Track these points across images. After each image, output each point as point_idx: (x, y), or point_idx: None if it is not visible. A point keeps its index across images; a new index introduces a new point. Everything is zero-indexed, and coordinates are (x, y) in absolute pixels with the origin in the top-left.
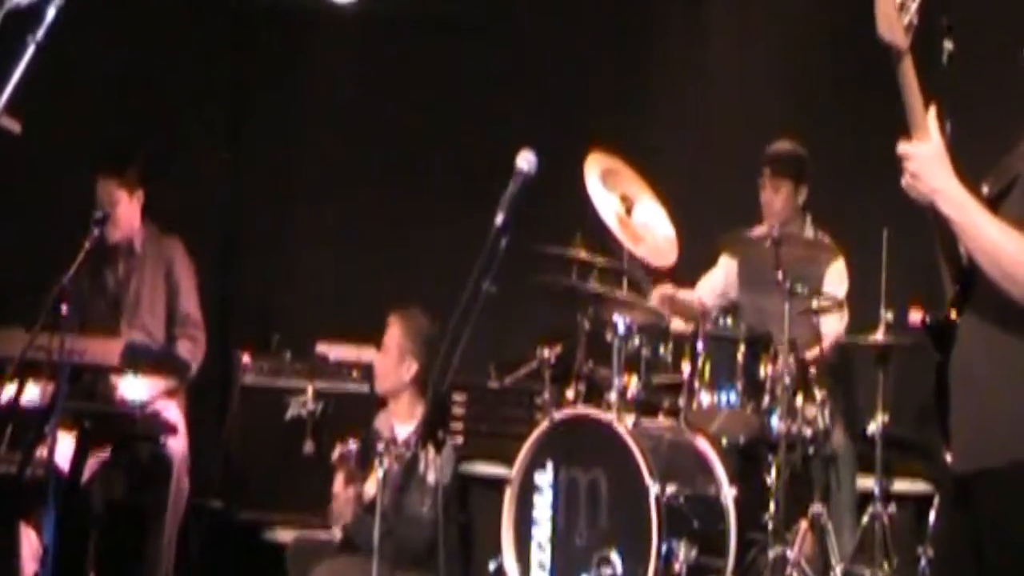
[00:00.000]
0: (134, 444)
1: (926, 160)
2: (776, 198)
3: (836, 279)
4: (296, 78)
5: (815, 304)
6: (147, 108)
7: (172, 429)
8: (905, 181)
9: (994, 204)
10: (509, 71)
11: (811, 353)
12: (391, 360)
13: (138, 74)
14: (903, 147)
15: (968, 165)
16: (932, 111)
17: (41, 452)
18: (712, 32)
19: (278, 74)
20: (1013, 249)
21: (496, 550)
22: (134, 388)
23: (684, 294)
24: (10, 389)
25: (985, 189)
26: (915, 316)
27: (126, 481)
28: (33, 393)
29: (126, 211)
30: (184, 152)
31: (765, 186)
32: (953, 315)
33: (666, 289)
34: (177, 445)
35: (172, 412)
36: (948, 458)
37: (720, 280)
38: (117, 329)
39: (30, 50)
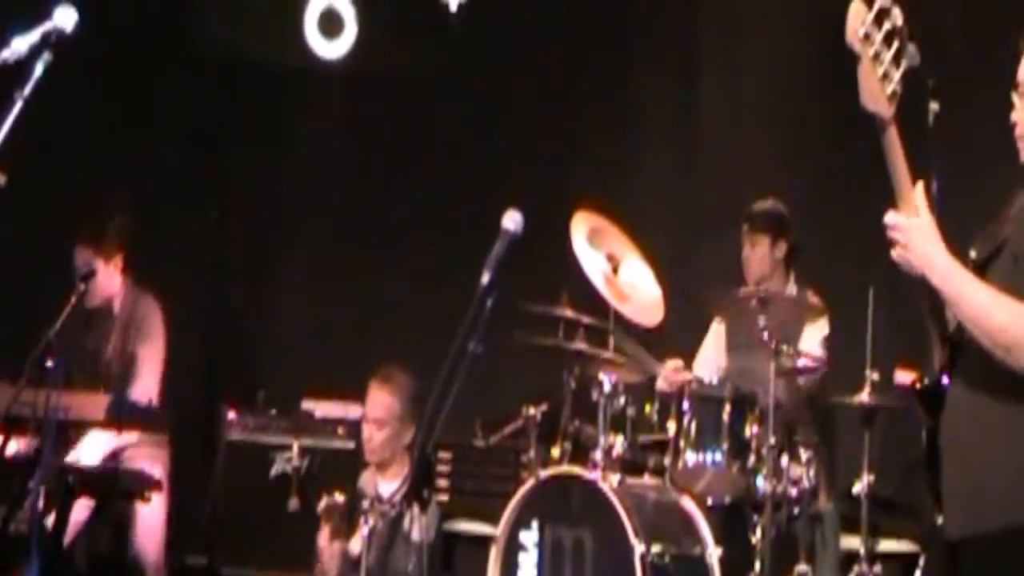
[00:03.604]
0: (116, 500)
1: (917, 234)
2: (753, 254)
3: (809, 336)
4: (279, 137)
5: (799, 364)
6: (132, 166)
7: (156, 485)
8: (896, 253)
9: (982, 269)
10: (494, 129)
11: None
12: (390, 431)
13: (123, 131)
14: (892, 218)
15: (955, 224)
16: (920, 185)
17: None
18: (700, 90)
19: (262, 133)
20: (1003, 317)
21: None
22: (88, 452)
23: (688, 374)
24: None
25: (973, 254)
26: (904, 377)
27: (110, 537)
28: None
29: (104, 278)
30: (169, 209)
31: (744, 243)
32: (944, 380)
33: (678, 363)
34: (156, 500)
35: (156, 468)
36: (939, 521)
37: (712, 351)
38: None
39: (17, 106)
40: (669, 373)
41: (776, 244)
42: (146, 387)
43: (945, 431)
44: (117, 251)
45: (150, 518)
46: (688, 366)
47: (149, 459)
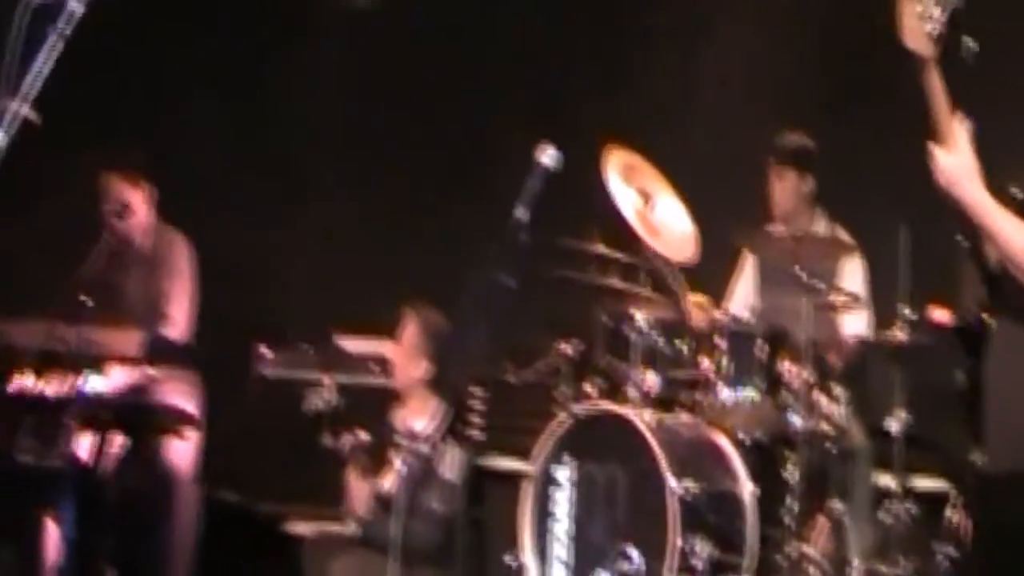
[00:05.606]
0: (148, 436)
1: (955, 172)
2: (780, 188)
3: (850, 274)
4: (302, 70)
5: (833, 300)
6: (154, 100)
7: (191, 420)
8: (938, 187)
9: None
10: (518, 64)
11: (832, 357)
12: (404, 357)
13: (150, 65)
14: (934, 153)
15: (991, 164)
16: (960, 124)
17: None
18: (716, 21)
19: (286, 67)
20: None
21: (511, 544)
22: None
23: (719, 314)
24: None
25: (1014, 191)
26: (940, 315)
27: (143, 472)
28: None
29: (139, 209)
30: (198, 149)
31: (770, 178)
32: (983, 317)
33: (701, 300)
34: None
35: (188, 404)
36: (976, 458)
37: (744, 289)
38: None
39: (54, 42)
40: (696, 310)
41: (803, 178)
42: (176, 323)
43: (988, 368)
44: (146, 184)
45: (181, 454)
46: (716, 303)
47: (180, 395)
